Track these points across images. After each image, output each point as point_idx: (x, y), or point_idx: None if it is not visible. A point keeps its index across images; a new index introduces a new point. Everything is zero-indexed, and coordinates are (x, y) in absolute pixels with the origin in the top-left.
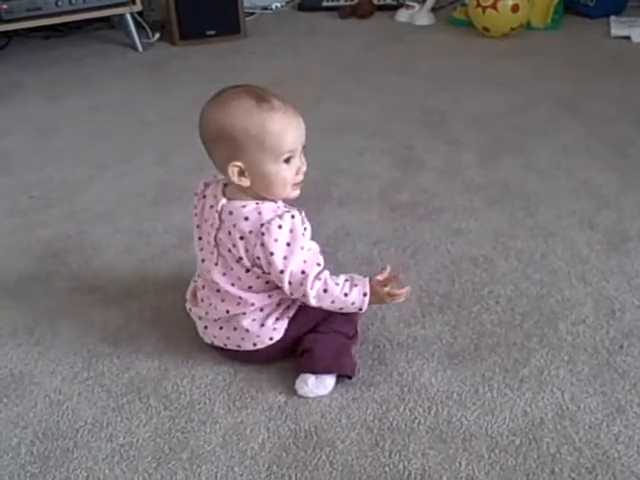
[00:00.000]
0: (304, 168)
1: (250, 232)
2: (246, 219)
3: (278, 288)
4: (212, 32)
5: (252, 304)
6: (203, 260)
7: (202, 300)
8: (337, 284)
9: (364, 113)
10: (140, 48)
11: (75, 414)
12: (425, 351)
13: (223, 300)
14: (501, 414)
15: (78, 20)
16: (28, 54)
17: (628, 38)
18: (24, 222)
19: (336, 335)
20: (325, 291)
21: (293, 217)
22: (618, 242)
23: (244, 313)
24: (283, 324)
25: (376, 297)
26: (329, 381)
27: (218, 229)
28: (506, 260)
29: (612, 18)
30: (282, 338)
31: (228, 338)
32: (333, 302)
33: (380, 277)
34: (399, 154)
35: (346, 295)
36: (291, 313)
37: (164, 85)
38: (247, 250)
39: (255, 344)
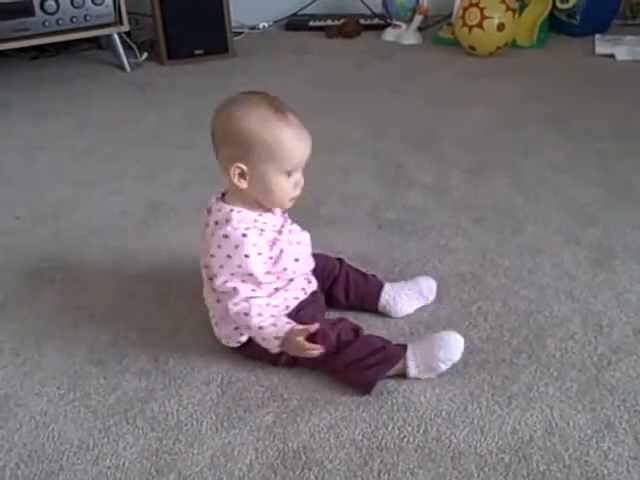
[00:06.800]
0: (302, 183)
1: (210, 234)
2: (216, 223)
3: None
4: (200, 51)
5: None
6: None
7: None
8: (260, 315)
9: (352, 131)
10: (128, 68)
11: (61, 436)
12: None
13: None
14: (490, 432)
15: (66, 41)
16: (16, 74)
17: (612, 56)
18: (10, 242)
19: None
20: (245, 314)
21: (245, 236)
22: (605, 258)
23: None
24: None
25: (292, 346)
26: None
27: (206, 225)
28: (494, 277)
29: (597, 36)
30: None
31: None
32: (248, 328)
33: (301, 327)
34: (387, 172)
35: (260, 329)
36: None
37: (152, 104)
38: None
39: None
